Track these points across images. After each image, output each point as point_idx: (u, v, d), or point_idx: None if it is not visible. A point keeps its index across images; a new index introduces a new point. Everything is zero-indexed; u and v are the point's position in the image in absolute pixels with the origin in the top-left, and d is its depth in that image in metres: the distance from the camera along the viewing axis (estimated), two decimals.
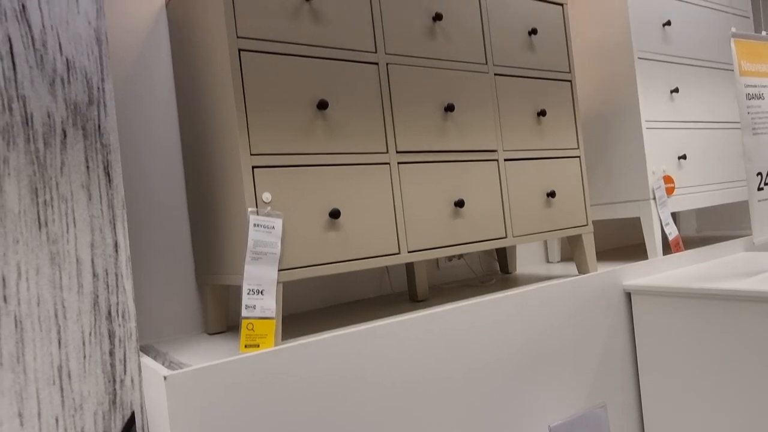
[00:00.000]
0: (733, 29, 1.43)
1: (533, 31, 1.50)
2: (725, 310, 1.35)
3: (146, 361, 0.97)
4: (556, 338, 1.39)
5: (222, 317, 1.32)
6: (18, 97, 0.90)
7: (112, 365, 0.96)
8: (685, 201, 1.81)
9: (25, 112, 0.91)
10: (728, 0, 2.10)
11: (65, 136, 0.94)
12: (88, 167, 0.96)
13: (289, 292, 1.51)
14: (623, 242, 2.39)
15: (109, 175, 0.97)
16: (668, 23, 1.81)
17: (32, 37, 0.91)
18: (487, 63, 1.42)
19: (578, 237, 1.57)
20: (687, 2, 1.93)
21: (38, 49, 0.92)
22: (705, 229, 2.58)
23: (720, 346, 1.37)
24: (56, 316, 0.91)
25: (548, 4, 1.57)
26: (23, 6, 0.90)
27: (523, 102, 1.48)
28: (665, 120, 1.80)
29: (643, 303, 1.53)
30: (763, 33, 1.51)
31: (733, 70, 1.90)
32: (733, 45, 1.41)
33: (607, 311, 1.51)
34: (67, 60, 0.94)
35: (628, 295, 1.56)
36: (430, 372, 1.16)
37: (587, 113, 1.88)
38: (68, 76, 0.94)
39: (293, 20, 1.13)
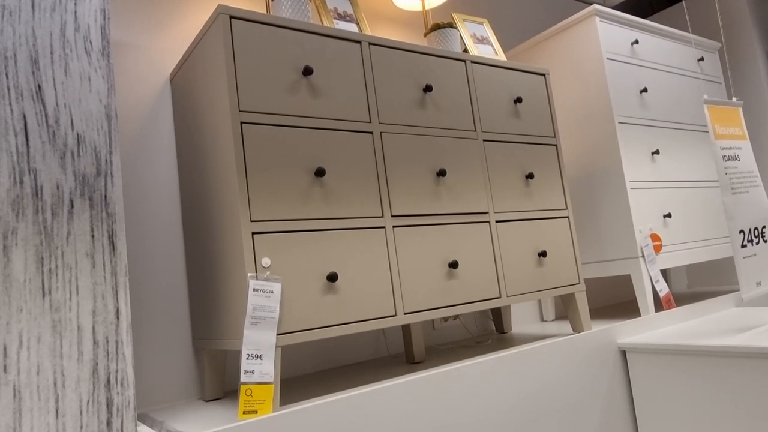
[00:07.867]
0: (706, 96, 1.52)
1: (518, 100, 1.58)
2: (718, 366, 1.36)
3: (143, 430, 0.96)
4: (555, 397, 1.38)
5: (218, 383, 1.32)
6: (29, 170, 0.94)
7: None
8: (673, 258, 1.85)
9: (36, 184, 0.94)
10: (701, 67, 2.23)
11: (72, 206, 0.97)
12: (93, 236, 0.98)
13: (285, 355, 1.51)
14: (615, 299, 2.41)
15: (113, 244, 1.00)
16: (645, 90, 1.92)
17: (46, 115, 0.96)
18: (476, 130, 1.49)
19: (571, 296, 1.59)
20: (661, 70, 2.05)
21: (51, 125, 0.97)
22: (695, 284, 2.61)
23: (715, 401, 1.37)
24: (55, 384, 0.92)
25: (531, 75, 1.67)
26: (39, 86, 0.96)
27: (512, 166, 1.54)
28: (648, 180, 1.87)
29: (639, 360, 1.53)
30: (734, 99, 1.61)
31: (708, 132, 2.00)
32: (706, 111, 1.50)
33: (604, 369, 1.51)
34: (77, 135, 0.99)
35: (623, 353, 1.57)
36: None
37: (573, 175, 1.95)
38: (78, 150, 0.99)
39: (292, 94, 1.20)
